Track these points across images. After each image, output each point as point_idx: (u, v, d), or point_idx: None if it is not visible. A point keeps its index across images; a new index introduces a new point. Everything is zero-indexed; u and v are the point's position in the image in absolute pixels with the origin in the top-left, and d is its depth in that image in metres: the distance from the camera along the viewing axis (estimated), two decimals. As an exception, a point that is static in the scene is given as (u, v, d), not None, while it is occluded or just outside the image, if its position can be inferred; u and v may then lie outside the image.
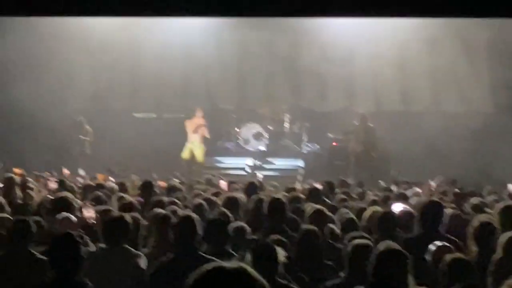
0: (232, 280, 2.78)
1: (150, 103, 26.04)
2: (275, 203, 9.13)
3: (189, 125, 23.54)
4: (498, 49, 24.29)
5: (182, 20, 24.32)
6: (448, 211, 9.75)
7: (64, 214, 8.04)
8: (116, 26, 24.67)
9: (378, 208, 9.75)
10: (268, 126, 24.91)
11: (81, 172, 20.37)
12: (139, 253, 7.70)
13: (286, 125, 25.03)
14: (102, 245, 7.65)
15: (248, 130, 24.92)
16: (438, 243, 7.54)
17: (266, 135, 24.78)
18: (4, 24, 22.84)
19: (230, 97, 25.98)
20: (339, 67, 25.13)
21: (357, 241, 7.28)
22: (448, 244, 7.51)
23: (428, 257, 7.44)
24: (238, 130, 25.13)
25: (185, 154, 23.40)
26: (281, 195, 11.18)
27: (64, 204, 8.78)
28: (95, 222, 8.36)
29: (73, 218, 7.99)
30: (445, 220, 8.90)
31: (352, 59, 25.17)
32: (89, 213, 8.34)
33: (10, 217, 8.91)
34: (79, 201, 9.92)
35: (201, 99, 25.58)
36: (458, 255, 7.04)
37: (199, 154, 23.50)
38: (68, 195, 9.46)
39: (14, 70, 23.64)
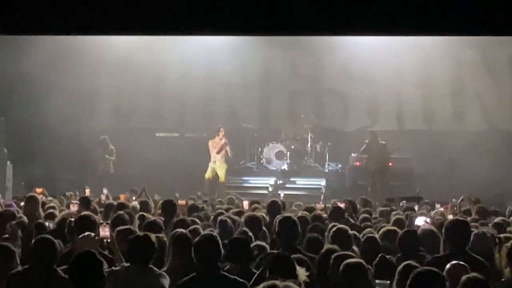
0: None
1: (173, 122, 26.14)
2: (286, 221, 9.05)
3: (212, 145, 23.52)
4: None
5: (204, 40, 24.47)
6: (473, 229, 9.66)
7: (86, 232, 8.04)
8: (139, 46, 24.85)
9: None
10: (291, 146, 24.87)
11: (105, 191, 20.36)
12: (163, 273, 7.69)
13: (309, 144, 24.98)
14: (126, 264, 7.65)
15: (271, 150, 24.88)
16: (454, 262, 7.45)
17: (288, 154, 24.73)
18: (27, 42, 22.97)
19: (252, 117, 26.01)
20: (361, 87, 25.15)
21: (349, 260, 7.25)
22: (462, 263, 7.39)
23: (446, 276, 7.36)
24: (260, 149, 25.10)
25: (208, 174, 23.38)
26: (302, 214, 11.14)
27: (86, 223, 8.79)
28: (109, 241, 8.33)
29: (94, 235, 7.99)
30: (472, 240, 8.84)
31: (374, 78, 25.15)
32: (105, 232, 8.31)
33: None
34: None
35: (224, 119, 25.62)
36: (473, 275, 6.92)
37: (222, 173, 23.47)
38: (91, 214, 9.47)
39: (39, 89, 23.73)
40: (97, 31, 11.39)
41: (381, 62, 24.85)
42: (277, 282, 2.91)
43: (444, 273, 7.26)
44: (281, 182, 24.24)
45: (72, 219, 9.52)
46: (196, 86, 25.52)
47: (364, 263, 7.40)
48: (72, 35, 16.99)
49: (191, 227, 9.54)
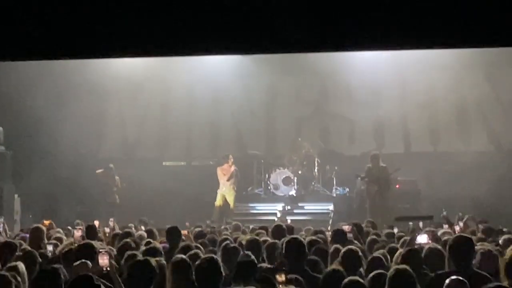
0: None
1: (179, 151, 26.17)
2: (293, 243, 9.06)
3: (221, 172, 23.50)
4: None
5: (209, 68, 24.60)
6: (478, 247, 9.64)
7: (82, 260, 8.02)
8: (145, 75, 25.02)
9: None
10: (298, 171, 24.85)
11: (111, 222, 20.32)
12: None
13: (316, 169, 24.95)
14: (127, 290, 7.65)
15: (278, 176, 24.86)
16: (453, 277, 7.44)
17: (295, 180, 24.71)
18: (34, 72, 23.07)
19: (259, 143, 26.04)
20: (367, 110, 25.15)
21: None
22: (462, 279, 7.37)
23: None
24: (267, 175, 25.09)
25: (218, 202, 23.32)
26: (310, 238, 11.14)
27: (87, 252, 8.78)
28: (108, 269, 8.29)
29: (89, 263, 7.96)
30: (476, 257, 8.83)
31: (379, 101, 25.18)
32: (103, 260, 8.26)
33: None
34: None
35: (230, 146, 25.68)
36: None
37: (231, 200, 23.43)
38: (92, 242, 9.47)
39: (45, 119, 23.77)
40: (95, 54, 11.42)
41: (386, 85, 24.89)
42: None
43: None
44: (289, 207, 24.18)
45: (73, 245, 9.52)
46: (201, 114, 25.64)
47: None
48: (62, 59, 16.99)
49: (192, 252, 9.53)
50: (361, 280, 7.81)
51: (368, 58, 24.04)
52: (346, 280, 7.66)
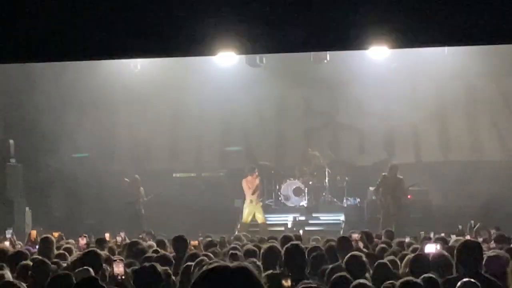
0: (234, 277, 2.96)
1: (189, 162, 26.18)
2: (293, 250, 9.02)
3: (247, 185, 23.16)
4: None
5: (220, 78, 24.62)
6: (487, 252, 9.63)
7: (85, 267, 8.01)
8: (154, 88, 25.04)
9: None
10: (309, 182, 24.83)
11: (122, 234, 20.30)
12: (171, 303, 7.68)
13: (326, 180, 24.92)
14: (133, 296, 7.64)
15: (288, 186, 24.85)
16: (465, 279, 7.42)
17: (306, 190, 24.69)
18: (43, 84, 23.15)
19: (269, 154, 26.05)
20: (377, 120, 25.13)
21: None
22: (474, 281, 7.35)
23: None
24: (278, 186, 25.08)
25: (246, 218, 22.98)
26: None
27: (91, 259, 8.78)
28: (124, 277, 8.30)
29: (91, 270, 7.94)
30: (485, 262, 8.81)
31: (389, 111, 25.11)
32: (119, 268, 8.27)
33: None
34: (111, 257, 9.91)
35: (240, 157, 25.72)
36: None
37: (260, 213, 23.09)
38: (96, 250, 9.48)
39: (55, 132, 23.79)
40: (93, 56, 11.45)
41: (396, 95, 24.84)
42: (229, 264, 2.98)
43: None
44: (300, 218, 24.13)
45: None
46: (212, 126, 25.67)
47: None
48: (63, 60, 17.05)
49: (198, 259, 9.51)
50: (368, 283, 7.79)
51: (378, 68, 24.02)
52: (354, 283, 7.64)
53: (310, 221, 24.09)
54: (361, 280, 7.67)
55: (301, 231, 19.85)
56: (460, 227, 18.74)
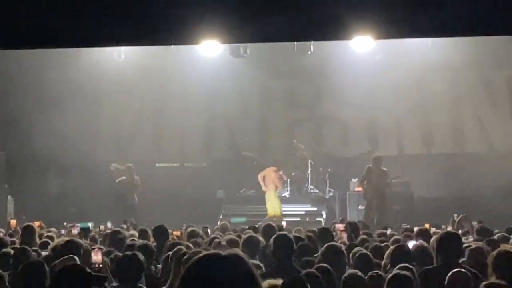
0: (227, 264, 2.97)
1: (173, 153, 26.14)
2: (281, 239, 9.04)
3: (265, 177, 23.17)
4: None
5: (203, 69, 24.56)
6: (470, 245, 9.70)
7: (68, 256, 7.98)
8: (138, 77, 24.96)
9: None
10: (291, 173, 24.86)
11: (109, 224, 20.21)
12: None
13: (309, 171, 24.96)
14: (115, 284, 7.62)
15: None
16: (455, 270, 7.48)
17: (288, 181, 24.72)
18: (28, 73, 23.06)
19: (252, 145, 26.06)
20: (360, 112, 25.16)
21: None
22: (464, 270, 7.43)
23: (446, 283, 7.39)
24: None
25: (273, 212, 22.75)
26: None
27: (71, 247, 8.76)
28: (101, 266, 8.29)
29: (76, 258, 7.92)
30: (465, 254, 8.87)
31: (373, 103, 25.16)
32: (97, 257, 8.26)
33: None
34: (89, 247, 9.89)
35: (223, 147, 25.74)
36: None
37: (272, 208, 22.99)
38: (75, 239, 9.48)
39: (37, 120, 23.68)
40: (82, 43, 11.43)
41: (379, 87, 24.90)
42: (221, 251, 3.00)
43: (446, 282, 7.30)
44: (282, 209, 24.13)
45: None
46: (195, 116, 25.60)
47: None
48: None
49: (176, 248, 9.51)
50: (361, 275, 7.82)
51: (362, 60, 24.03)
52: (347, 274, 7.70)
53: (292, 212, 24.10)
54: (353, 271, 7.71)
55: (284, 223, 19.89)
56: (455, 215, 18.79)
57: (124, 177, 23.29)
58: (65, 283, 6.04)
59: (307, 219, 23.19)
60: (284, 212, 23.56)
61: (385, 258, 9.63)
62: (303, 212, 24.25)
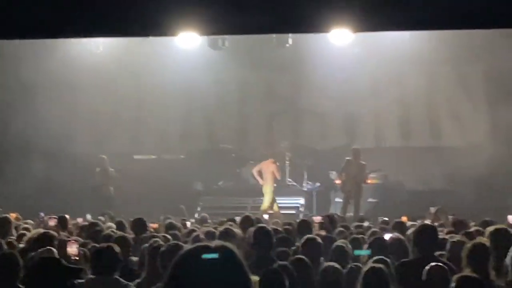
0: (218, 257, 2.96)
1: (150, 145, 26.09)
2: (261, 232, 9.08)
3: (262, 171, 22.94)
4: (494, 81, 24.27)
5: (182, 62, 24.50)
6: (448, 238, 9.77)
7: (46, 248, 7.96)
8: (116, 69, 24.88)
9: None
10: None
11: (88, 216, 20.14)
12: (130, 283, 7.66)
13: (287, 163, 24.98)
14: (91, 276, 7.61)
15: (249, 170, 24.87)
16: (433, 263, 7.52)
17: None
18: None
19: (230, 137, 26.06)
20: (338, 105, 25.23)
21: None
22: (441, 264, 7.47)
23: (423, 277, 7.42)
24: (239, 170, 25.12)
25: (266, 206, 22.61)
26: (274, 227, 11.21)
27: (45, 240, 8.74)
28: (77, 258, 8.29)
29: (55, 250, 7.91)
30: (446, 247, 8.92)
31: (351, 96, 25.21)
32: (73, 249, 8.25)
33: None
34: (65, 239, 9.88)
35: (201, 139, 25.73)
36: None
37: (267, 202, 22.82)
38: (50, 231, 9.45)
39: (13, 110, 23.56)
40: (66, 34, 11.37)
41: (357, 80, 24.94)
42: (211, 243, 3.01)
43: (424, 275, 7.34)
44: (259, 201, 24.17)
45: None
46: (173, 108, 25.58)
47: None
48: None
49: (152, 240, 9.51)
50: (339, 267, 7.86)
51: (340, 53, 24.06)
52: (324, 266, 7.73)
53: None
54: (330, 263, 7.75)
55: (266, 216, 19.86)
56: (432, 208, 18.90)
57: (98, 169, 23.26)
58: (40, 275, 5.97)
59: (285, 212, 23.19)
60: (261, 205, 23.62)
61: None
62: (281, 205, 24.24)
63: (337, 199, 22.99)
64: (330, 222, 13.61)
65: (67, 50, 23.71)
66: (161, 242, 9.05)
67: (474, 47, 23.47)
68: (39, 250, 7.95)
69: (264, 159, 24.67)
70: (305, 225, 11.92)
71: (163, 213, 19.16)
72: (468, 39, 22.51)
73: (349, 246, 10.20)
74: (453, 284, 6.87)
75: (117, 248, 7.66)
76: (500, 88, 23.70)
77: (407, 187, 23.57)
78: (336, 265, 8.10)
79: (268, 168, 22.89)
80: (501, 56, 23.10)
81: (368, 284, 6.93)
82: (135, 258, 9.65)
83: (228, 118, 26.19)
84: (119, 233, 10.95)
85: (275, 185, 23.01)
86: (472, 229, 12.45)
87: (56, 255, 7.93)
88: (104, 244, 7.99)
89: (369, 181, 22.34)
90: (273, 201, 22.78)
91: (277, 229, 11.43)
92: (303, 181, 24.89)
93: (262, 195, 24.13)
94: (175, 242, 7.96)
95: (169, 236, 10.82)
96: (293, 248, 10.02)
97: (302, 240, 9.37)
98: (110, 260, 7.52)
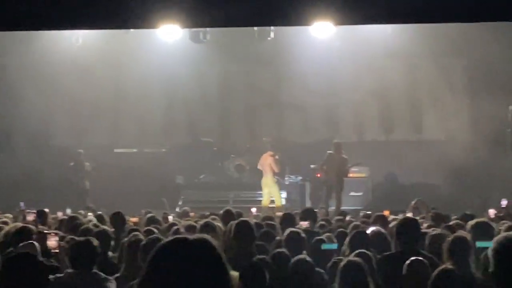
0: (194, 250, 2.93)
1: (131, 138, 25.99)
2: (242, 225, 9.03)
3: (261, 164, 22.74)
4: (475, 75, 24.33)
5: (163, 55, 24.41)
6: (429, 231, 9.74)
7: (28, 242, 7.88)
8: (96, 61, 24.74)
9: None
10: (251, 159, 24.83)
11: (68, 211, 20.04)
12: (109, 277, 7.60)
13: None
14: (70, 270, 7.54)
15: (230, 163, 24.86)
16: (413, 258, 7.50)
17: (248, 168, 24.72)
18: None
19: (211, 131, 26.01)
20: (320, 99, 25.21)
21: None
22: (421, 259, 7.45)
23: (404, 271, 7.40)
24: (221, 163, 25.07)
25: (266, 201, 22.47)
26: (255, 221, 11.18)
27: (23, 233, 8.66)
28: (57, 251, 8.22)
29: (37, 244, 7.83)
30: (426, 240, 8.90)
31: (333, 90, 25.24)
32: (52, 242, 8.18)
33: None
34: (45, 231, 9.79)
35: (182, 133, 25.67)
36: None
37: (277, 197, 22.70)
38: (29, 225, 9.38)
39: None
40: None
41: (339, 73, 24.95)
42: (189, 236, 2.97)
43: (404, 269, 7.32)
44: (241, 195, 24.16)
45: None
46: (154, 101, 25.49)
47: None
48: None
49: (131, 234, 9.45)
50: (308, 259, 7.83)
51: (322, 47, 24.04)
52: (295, 259, 7.71)
53: (252, 198, 24.09)
54: (302, 256, 7.72)
55: (254, 210, 19.79)
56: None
57: (72, 163, 23.17)
58: (15, 271, 5.84)
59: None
60: (244, 199, 23.60)
61: (345, 244, 9.65)
62: (262, 199, 24.22)
63: (320, 193, 22.92)
64: (310, 216, 13.56)
65: (46, 42, 23.58)
66: (141, 237, 9.00)
67: (455, 41, 23.53)
68: (20, 244, 7.87)
69: (246, 154, 24.73)
70: (288, 218, 11.87)
71: (145, 207, 19.10)
72: (449, 33, 22.55)
73: (335, 240, 10.21)
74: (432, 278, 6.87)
75: (95, 242, 7.59)
76: (481, 81, 23.76)
77: (389, 181, 23.61)
78: (308, 257, 8.05)
79: (266, 161, 22.83)
80: (482, 49, 23.17)
81: (345, 277, 6.89)
82: (115, 252, 9.59)
83: (209, 111, 26.15)
84: (101, 227, 10.88)
85: (277, 178, 22.92)
86: (452, 222, 12.48)
87: (38, 249, 7.87)
88: (82, 238, 7.92)
89: (351, 175, 22.30)
90: (277, 194, 22.62)
91: (259, 223, 11.38)
92: (285, 174, 24.85)
93: (243, 188, 24.21)
94: (156, 236, 7.88)
95: (154, 230, 10.78)
96: (275, 241, 9.98)
97: (285, 234, 9.32)
98: (88, 254, 7.45)
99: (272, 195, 22.56)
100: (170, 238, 3.02)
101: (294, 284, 7.66)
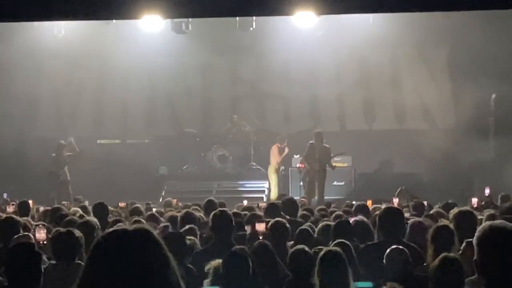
0: (135, 241, 2.89)
1: (114, 129, 25.93)
2: (220, 216, 9.01)
3: (277, 152, 23.00)
4: (458, 64, 24.37)
5: (145, 46, 24.36)
6: (409, 220, 9.76)
7: (24, 233, 7.89)
8: (79, 52, 24.66)
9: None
10: (234, 149, 24.87)
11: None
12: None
13: (252, 147, 24.97)
14: (53, 262, 7.53)
15: (213, 154, 24.87)
16: (393, 247, 7.52)
17: (231, 158, 24.76)
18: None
19: (194, 121, 25.98)
20: (302, 89, 25.24)
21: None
22: (402, 247, 7.47)
23: (384, 260, 7.43)
24: (203, 154, 25.08)
25: (274, 194, 22.37)
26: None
27: (9, 225, 8.64)
28: (45, 243, 8.22)
29: (31, 236, 7.84)
30: (407, 229, 8.92)
31: (315, 80, 25.28)
32: (40, 234, 8.18)
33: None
34: (33, 223, 9.78)
35: (166, 124, 25.64)
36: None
37: (273, 188, 22.83)
38: (14, 216, 9.34)
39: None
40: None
41: (321, 63, 24.97)
42: (129, 227, 2.95)
43: (385, 258, 7.34)
44: (224, 185, 24.20)
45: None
46: (137, 92, 25.45)
47: None
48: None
49: (117, 225, 9.44)
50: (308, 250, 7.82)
51: (304, 37, 24.06)
52: (293, 249, 7.72)
53: (235, 189, 24.16)
54: (300, 246, 7.73)
55: (245, 202, 19.77)
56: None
57: (53, 154, 23.05)
58: (19, 260, 6.07)
59: (250, 196, 23.16)
60: (227, 189, 23.65)
61: (331, 235, 9.63)
62: (245, 189, 24.29)
63: (302, 183, 22.93)
64: (290, 205, 13.54)
65: (28, 34, 23.46)
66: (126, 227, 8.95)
67: (439, 30, 23.59)
68: (15, 236, 7.89)
69: (229, 144, 24.77)
70: (274, 208, 11.85)
71: (128, 197, 19.06)
72: (432, 22, 22.61)
73: (315, 229, 10.22)
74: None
75: (77, 233, 7.59)
76: (465, 71, 23.77)
77: (372, 170, 23.68)
78: (306, 248, 8.05)
79: (272, 151, 22.98)
80: (465, 39, 23.21)
81: (323, 267, 6.90)
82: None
83: (192, 102, 26.14)
84: (85, 217, 10.85)
85: (282, 167, 23.13)
86: (433, 211, 12.50)
87: (33, 241, 7.90)
88: (64, 229, 7.90)
89: (334, 165, 22.33)
90: (274, 186, 22.74)
91: (237, 213, 11.39)
92: (267, 164, 24.84)
93: (226, 179, 24.27)
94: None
95: (143, 220, 10.79)
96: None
97: (271, 224, 9.32)
98: (70, 245, 7.44)
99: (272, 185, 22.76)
100: (109, 230, 3.01)
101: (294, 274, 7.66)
